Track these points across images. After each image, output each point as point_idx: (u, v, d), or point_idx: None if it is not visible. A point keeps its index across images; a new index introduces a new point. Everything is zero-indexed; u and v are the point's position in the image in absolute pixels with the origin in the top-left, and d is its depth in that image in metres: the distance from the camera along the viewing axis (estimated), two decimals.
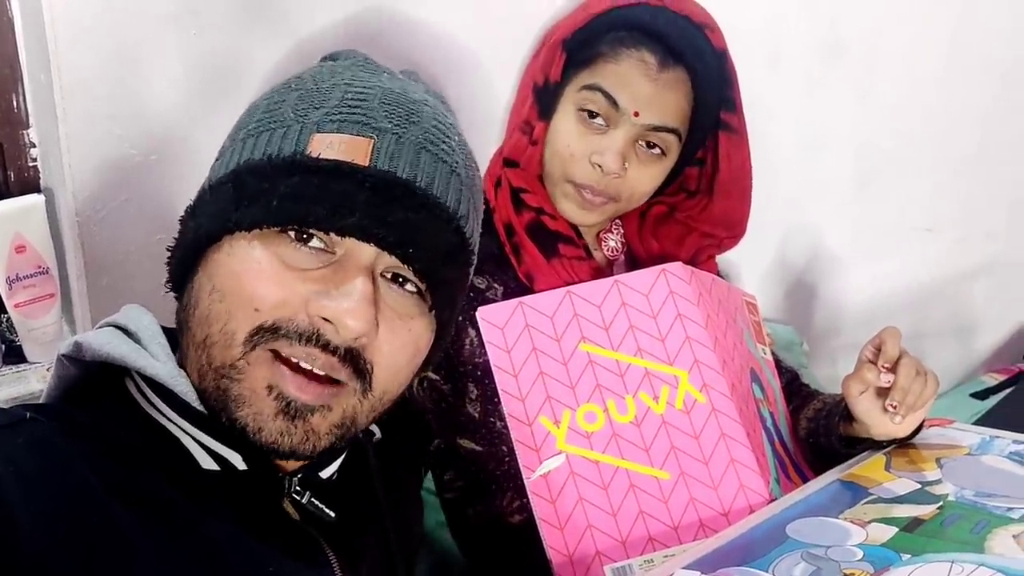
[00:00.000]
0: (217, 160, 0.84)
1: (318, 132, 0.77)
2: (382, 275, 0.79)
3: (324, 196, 0.75)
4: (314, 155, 0.76)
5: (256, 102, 0.85)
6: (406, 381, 0.85)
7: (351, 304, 0.74)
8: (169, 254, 0.83)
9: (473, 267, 0.89)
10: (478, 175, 0.88)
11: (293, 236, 0.76)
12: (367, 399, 0.80)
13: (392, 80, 0.85)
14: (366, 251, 0.77)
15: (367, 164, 0.76)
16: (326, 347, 0.75)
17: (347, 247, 0.77)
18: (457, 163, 0.82)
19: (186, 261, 0.80)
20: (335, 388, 0.78)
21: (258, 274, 0.75)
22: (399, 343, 0.80)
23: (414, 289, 0.80)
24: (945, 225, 2.10)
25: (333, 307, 0.75)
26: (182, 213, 0.83)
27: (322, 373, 0.76)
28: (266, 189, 0.76)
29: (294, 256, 0.76)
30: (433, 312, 0.82)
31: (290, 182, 0.76)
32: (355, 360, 0.77)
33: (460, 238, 0.82)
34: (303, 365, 0.76)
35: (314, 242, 0.77)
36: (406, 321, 0.80)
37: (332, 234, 0.76)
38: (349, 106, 0.79)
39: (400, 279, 0.80)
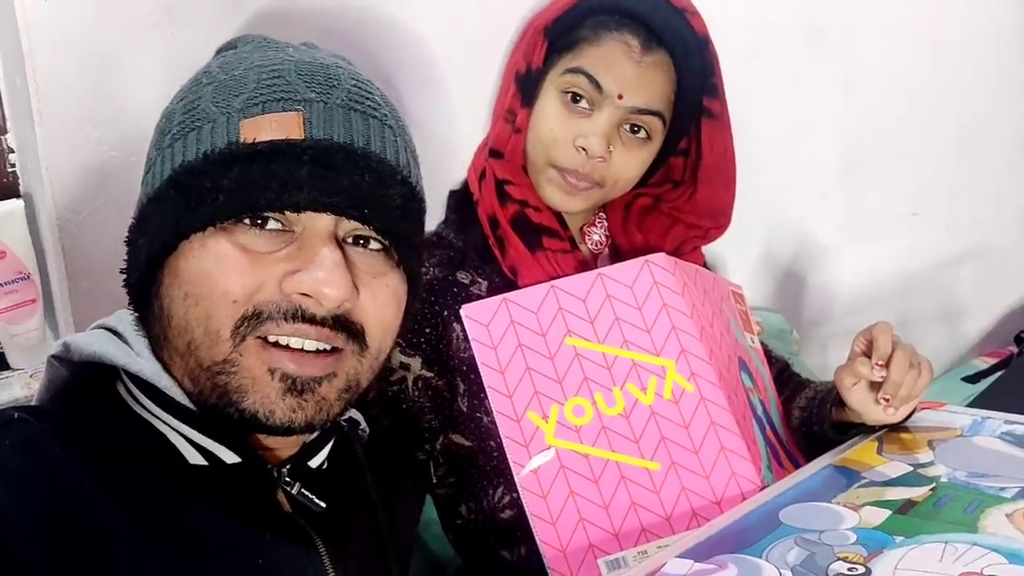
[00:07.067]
0: (147, 173, 0.83)
1: (245, 118, 0.78)
2: (344, 240, 0.80)
3: (268, 178, 0.75)
4: (248, 141, 0.76)
5: (170, 106, 0.85)
6: (395, 336, 0.86)
7: (325, 274, 0.76)
8: (124, 276, 0.82)
9: (425, 214, 0.90)
10: (405, 122, 0.89)
11: (249, 223, 0.76)
12: (365, 358, 0.82)
13: (298, 51, 0.85)
14: (323, 221, 0.78)
15: (303, 137, 0.77)
16: (313, 320, 0.76)
17: (304, 222, 0.78)
18: (386, 116, 0.83)
19: (145, 278, 0.80)
20: (336, 354, 0.79)
21: (227, 267, 0.76)
22: (383, 300, 0.82)
23: (378, 247, 0.82)
24: (931, 211, 2.10)
25: (309, 280, 0.76)
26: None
27: (316, 348, 0.77)
28: (209, 187, 0.76)
29: (256, 241, 0.76)
30: (401, 267, 0.84)
31: (231, 173, 0.76)
32: (346, 325, 0.79)
33: (409, 188, 0.83)
34: (294, 346, 0.76)
35: (271, 224, 0.77)
36: (381, 278, 0.82)
37: (287, 212, 0.76)
38: (268, 86, 0.79)
39: (362, 240, 0.81)
